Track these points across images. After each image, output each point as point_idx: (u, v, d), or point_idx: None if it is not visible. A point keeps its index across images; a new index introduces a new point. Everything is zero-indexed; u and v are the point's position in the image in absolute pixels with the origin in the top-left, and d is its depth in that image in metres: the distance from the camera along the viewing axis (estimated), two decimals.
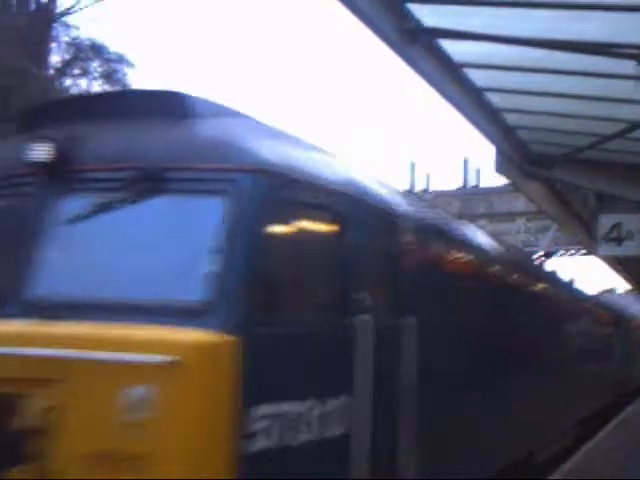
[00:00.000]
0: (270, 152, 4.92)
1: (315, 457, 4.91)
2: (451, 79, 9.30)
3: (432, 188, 35.64)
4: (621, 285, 39.46)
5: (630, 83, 8.45)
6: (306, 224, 5.17)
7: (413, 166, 36.77)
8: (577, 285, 19.17)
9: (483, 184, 32.90)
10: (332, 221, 5.33)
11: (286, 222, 4.93)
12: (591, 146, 11.13)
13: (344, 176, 5.80)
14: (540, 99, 9.82)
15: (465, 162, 34.95)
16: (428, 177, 36.65)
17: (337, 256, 5.31)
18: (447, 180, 51.88)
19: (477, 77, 9.51)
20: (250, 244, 4.50)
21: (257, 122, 5.56)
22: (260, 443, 4.34)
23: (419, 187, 35.99)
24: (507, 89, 9.79)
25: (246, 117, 5.55)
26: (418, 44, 8.50)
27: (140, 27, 72.66)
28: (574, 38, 8.00)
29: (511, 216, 30.02)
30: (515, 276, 10.55)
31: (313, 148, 5.93)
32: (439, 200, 28.47)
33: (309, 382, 4.89)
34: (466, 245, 8.52)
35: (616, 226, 12.85)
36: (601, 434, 15.74)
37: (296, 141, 5.73)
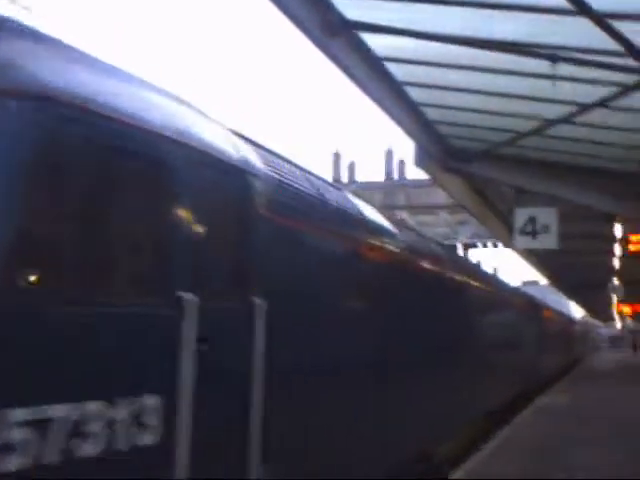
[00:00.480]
0: (58, 77, 3.70)
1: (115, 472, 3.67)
2: (372, 73, 9.35)
3: (357, 179, 35.87)
4: (541, 278, 40.21)
5: (546, 82, 8.65)
6: (100, 168, 3.84)
7: (337, 157, 36.96)
8: (486, 270, 18.59)
9: (407, 176, 33.25)
10: (146, 169, 4.14)
11: (69, 164, 3.64)
12: (508, 142, 11.35)
13: (182, 122, 4.59)
14: (460, 95, 9.95)
15: (389, 154, 35.28)
16: (352, 168, 36.89)
17: (147, 214, 4.13)
18: (371, 171, 52.21)
19: (397, 71, 9.59)
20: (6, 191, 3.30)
21: (72, 49, 4.13)
22: (16, 461, 3.12)
23: (343, 178, 36.19)
24: (427, 84, 9.89)
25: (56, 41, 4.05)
26: (340, 37, 8.54)
27: None
28: (492, 37, 8.13)
29: (432, 209, 30.43)
30: (411, 259, 9.37)
31: (153, 89, 4.66)
32: (361, 192, 28.63)
33: (89, 378, 3.61)
34: (350, 220, 7.30)
35: (531, 220, 13.12)
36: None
37: (123, 76, 4.40)
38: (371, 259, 7.73)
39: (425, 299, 9.88)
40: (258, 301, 4.95)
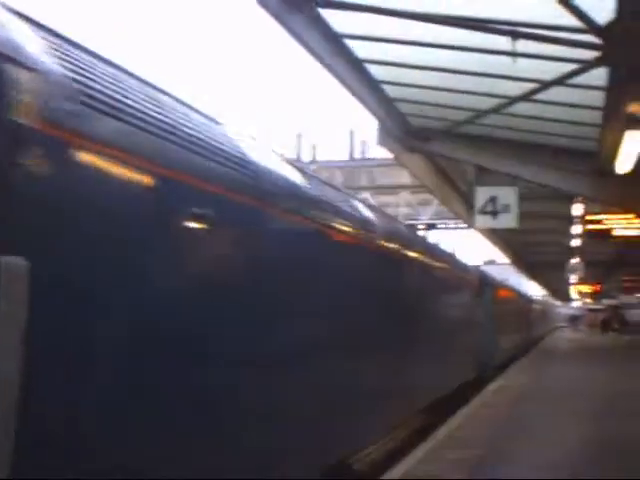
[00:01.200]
0: None
1: None
2: (332, 50, 9.28)
3: (319, 159, 35.73)
4: (503, 258, 40.45)
5: (506, 59, 8.65)
6: None
7: (299, 136, 36.74)
8: (432, 245, 15.55)
9: (370, 156, 33.14)
10: None
11: None
12: (469, 120, 11.34)
13: None
14: (420, 72, 9.91)
15: (351, 134, 35.15)
16: (314, 148, 36.70)
17: None
18: (334, 151, 52.03)
19: (358, 48, 9.53)
20: None
21: None
22: None
23: (306, 158, 36.04)
24: (387, 61, 9.83)
25: None
26: (300, 13, 8.46)
27: None
28: (452, 12, 8.09)
29: (394, 189, 30.38)
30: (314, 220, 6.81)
31: None
32: (323, 172, 28.52)
33: None
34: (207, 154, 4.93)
35: (492, 199, 13.16)
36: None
37: None
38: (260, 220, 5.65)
39: (351, 276, 7.77)
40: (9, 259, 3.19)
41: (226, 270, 5.14)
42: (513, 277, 48.32)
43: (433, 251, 13.51)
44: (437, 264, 13.32)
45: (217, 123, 5.64)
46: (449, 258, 15.99)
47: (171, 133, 4.53)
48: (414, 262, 11.31)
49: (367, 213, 9.03)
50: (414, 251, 11.32)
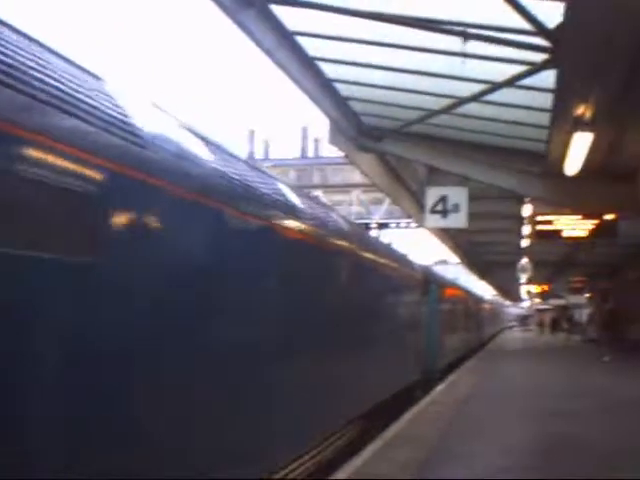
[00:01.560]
0: None
1: None
2: (284, 47, 9.24)
3: (271, 156, 35.65)
4: (454, 258, 40.71)
5: (457, 59, 8.69)
6: None
7: (252, 133, 36.67)
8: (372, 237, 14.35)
9: (322, 154, 33.18)
10: None
11: None
12: (420, 120, 11.37)
13: None
14: (372, 71, 9.92)
15: (304, 131, 35.16)
16: (267, 145, 36.67)
17: None
18: (286, 149, 51.90)
19: (310, 46, 9.50)
20: None
21: None
22: None
23: (258, 155, 35.93)
24: (339, 60, 9.82)
25: None
26: (252, 9, 8.41)
27: None
28: (404, 12, 8.10)
29: (346, 188, 30.49)
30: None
31: None
32: (276, 170, 28.45)
33: None
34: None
35: (442, 199, 13.23)
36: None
37: None
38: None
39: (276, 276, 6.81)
40: None
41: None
42: (464, 277, 48.65)
43: (372, 245, 12.16)
44: (374, 258, 11.90)
45: (96, 78, 4.52)
46: (390, 253, 14.31)
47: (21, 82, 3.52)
48: (349, 255, 10.02)
49: (290, 196, 7.72)
50: (350, 242, 10.01)
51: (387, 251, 13.91)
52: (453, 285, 29.70)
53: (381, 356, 12.25)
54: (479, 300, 47.21)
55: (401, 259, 15.47)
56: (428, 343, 18.46)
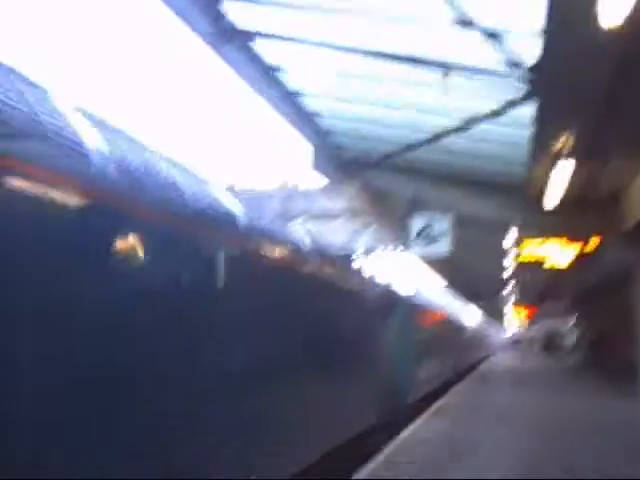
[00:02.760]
0: None
1: None
2: (266, 81, 9.30)
3: (254, 187, 35.76)
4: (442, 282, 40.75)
5: (437, 93, 8.78)
6: None
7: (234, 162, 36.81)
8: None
9: (307, 183, 33.37)
10: None
11: None
12: (401, 153, 11.44)
13: None
14: (353, 105, 9.98)
15: (286, 160, 35.39)
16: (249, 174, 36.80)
17: None
18: (269, 177, 52.09)
19: (290, 80, 9.57)
20: None
21: None
22: None
23: (241, 185, 36.04)
24: (320, 94, 9.89)
25: None
26: (232, 44, 8.46)
27: None
28: (384, 49, 8.18)
29: (331, 216, 30.48)
30: None
31: None
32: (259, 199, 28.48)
33: None
34: None
35: (426, 227, 13.27)
36: None
37: None
38: None
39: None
40: None
41: None
42: (447, 300, 48.57)
43: (316, 255, 9.46)
44: (315, 271, 9.39)
45: None
46: (342, 266, 11.72)
47: None
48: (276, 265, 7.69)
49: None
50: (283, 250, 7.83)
51: (340, 264, 11.28)
52: (432, 307, 26.78)
53: (304, 400, 8.37)
54: (463, 324, 44.67)
55: (354, 272, 12.54)
56: (394, 376, 15.24)
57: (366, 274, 13.93)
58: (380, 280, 14.97)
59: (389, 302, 15.38)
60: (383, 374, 14.27)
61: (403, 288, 20.10)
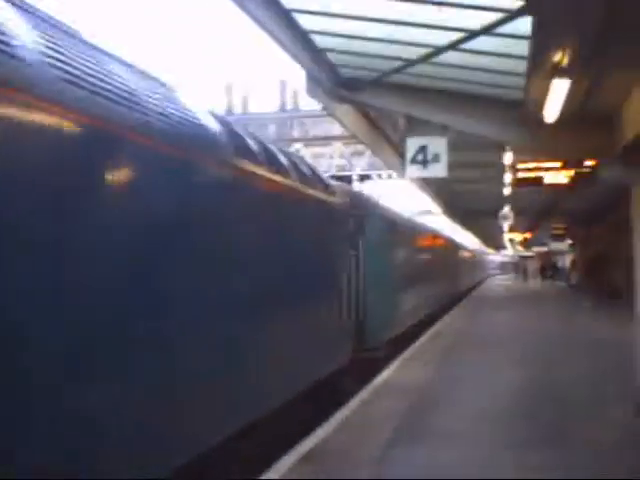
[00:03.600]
0: None
1: None
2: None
3: (250, 110, 35.45)
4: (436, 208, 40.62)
5: (433, 8, 8.66)
6: None
7: (229, 88, 36.34)
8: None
9: (301, 107, 32.98)
10: None
11: None
12: (398, 70, 11.31)
13: None
14: (348, 22, 9.83)
15: (282, 84, 34.92)
16: (245, 99, 36.37)
17: None
18: (265, 102, 51.57)
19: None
20: None
21: None
22: None
23: (237, 109, 35.68)
24: (315, 11, 9.72)
25: None
26: None
27: None
28: None
29: (327, 140, 30.34)
30: None
31: None
32: (255, 123, 28.34)
33: None
34: None
35: (422, 149, 13.22)
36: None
37: None
38: None
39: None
40: None
41: None
42: (448, 225, 48.63)
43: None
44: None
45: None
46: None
47: None
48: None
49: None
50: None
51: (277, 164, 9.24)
52: (411, 224, 24.22)
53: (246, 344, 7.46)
54: (454, 246, 41.93)
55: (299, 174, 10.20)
56: (367, 304, 14.07)
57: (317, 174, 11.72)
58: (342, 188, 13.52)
59: (355, 213, 13.45)
60: (347, 306, 12.61)
61: (376, 200, 18.61)
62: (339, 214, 12.36)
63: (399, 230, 19.29)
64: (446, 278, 33.78)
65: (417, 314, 22.19)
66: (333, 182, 12.75)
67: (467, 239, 67.59)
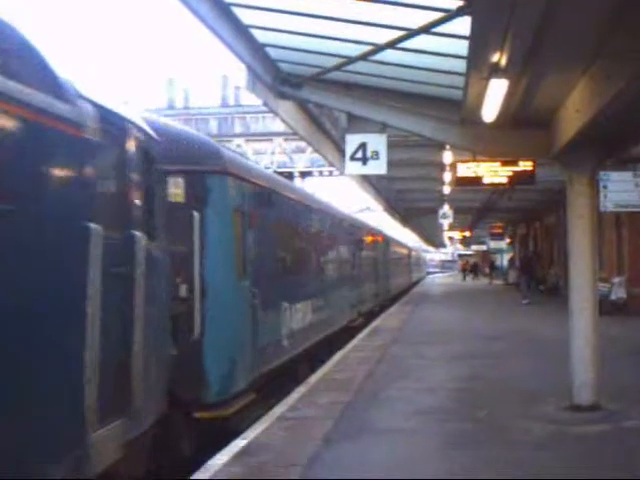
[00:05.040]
0: None
1: None
2: None
3: (191, 105, 35.17)
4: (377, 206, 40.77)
5: (373, 5, 8.68)
6: None
7: (171, 82, 36.00)
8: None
9: (243, 103, 32.82)
10: None
11: None
12: (337, 67, 11.31)
13: None
14: (288, 17, 9.79)
15: (224, 79, 34.68)
16: (187, 94, 36.07)
17: None
18: (207, 97, 51.28)
19: None
20: None
21: None
22: None
23: (178, 104, 35.38)
24: (256, 6, 9.67)
25: None
26: None
27: None
28: None
29: (268, 136, 30.24)
30: None
31: None
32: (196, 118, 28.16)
33: None
34: None
35: (362, 146, 13.22)
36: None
37: None
38: None
39: None
40: None
41: None
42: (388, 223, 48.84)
43: None
44: None
45: None
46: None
47: None
48: None
49: None
50: None
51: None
52: (310, 200, 17.94)
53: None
54: (381, 239, 34.15)
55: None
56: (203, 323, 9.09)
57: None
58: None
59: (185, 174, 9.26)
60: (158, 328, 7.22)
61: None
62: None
63: (282, 205, 13.22)
64: (367, 280, 26.53)
65: (309, 335, 14.90)
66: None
67: (407, 236, 67.79)
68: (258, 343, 10.74)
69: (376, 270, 30.11)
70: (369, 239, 28.61)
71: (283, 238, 13.56)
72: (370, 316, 26.00)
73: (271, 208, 12.25)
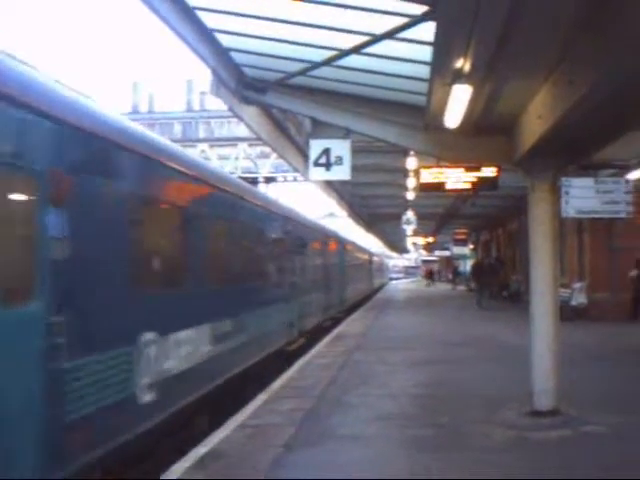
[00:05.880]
0: None
1: None
2: None
3: (156, 109, 34.99)
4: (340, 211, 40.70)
5: (337, 11, 8.68)
6: None
7: (136, 86, 35.80)
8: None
9: (208, 107, 32.72)
10: None
11: None
12: (301, 72, 11.29)
13: None
14: (252, 21, 9.76)
15: (189, 84, 34.57)
16: (152, 98, 35.87)
17: None
18: (171, 102, 51.10)
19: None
20: None
21: None
22: None
23: (142, 108, 35.19)
24: (219, 9, 9.63)
25: None
26: None
27: None
28: None
29: (233, 141, 30.15)
30: None
31: None
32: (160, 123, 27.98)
33: None
34: None
35: (325, 151, 13.22)
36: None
37: None
38: None
39: None
40: None
41: None
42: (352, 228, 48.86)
43: None
44: None
45: None
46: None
47: None
48: None
49: None
50: None
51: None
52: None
53: None
54: (335, 243, 30.78)
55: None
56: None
57: None
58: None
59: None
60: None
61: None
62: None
63: (151, 172, 9.03)
64: (314, 290, 22.76)
65: (208, 375, 10.75)
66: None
67: (371, 242, 67.84)
68: (67, 416, 6.25)
69: (327, 278, 26.45)
70: (318, 242, 25.01)
71: (144, 226, 8.45)
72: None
73: (121, 174, 7.80)
